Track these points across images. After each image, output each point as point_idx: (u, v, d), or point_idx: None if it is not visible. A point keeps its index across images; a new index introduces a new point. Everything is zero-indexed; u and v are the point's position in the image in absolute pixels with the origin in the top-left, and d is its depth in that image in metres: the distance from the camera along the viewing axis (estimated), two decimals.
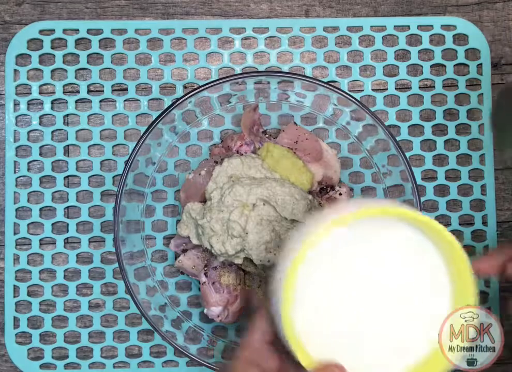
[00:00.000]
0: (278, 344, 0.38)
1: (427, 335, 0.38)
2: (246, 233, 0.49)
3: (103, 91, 0.58)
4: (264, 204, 0.50)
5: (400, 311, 0.37)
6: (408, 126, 0.58)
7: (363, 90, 0.58)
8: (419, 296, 0.37)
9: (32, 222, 0.57)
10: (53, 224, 0.57)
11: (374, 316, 0.37)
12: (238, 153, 0.54)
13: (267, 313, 0.38)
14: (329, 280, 0.36)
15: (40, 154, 0.58)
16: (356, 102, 0.51)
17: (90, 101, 0.58)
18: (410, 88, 0.58)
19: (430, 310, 0.38)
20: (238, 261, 0.51)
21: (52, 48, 0.58)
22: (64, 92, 0.58)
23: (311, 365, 0.36)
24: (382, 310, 0.37)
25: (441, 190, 0.58)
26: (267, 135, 0.56)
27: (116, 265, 0.54)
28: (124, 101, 0.58)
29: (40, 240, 0.57)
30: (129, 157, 0.50)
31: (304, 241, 0.34)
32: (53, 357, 0.56)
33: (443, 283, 0.37)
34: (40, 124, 0.58)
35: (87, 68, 0.58)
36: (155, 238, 0.57)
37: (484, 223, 0.57)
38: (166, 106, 0.50)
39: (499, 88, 0.50)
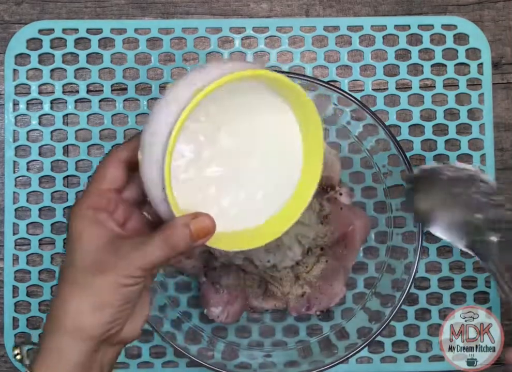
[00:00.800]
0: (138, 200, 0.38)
1: (287, 186, 0.40)
2: None
3: (102, 90, 0.58)
4: None
5: (266, 166, 0.40)
6: (409, 126, 0.58)
7: (363, 90, 0.58)
8: (280, 154, 0.40)
9: (31, 223, 0.57)
10: (52, 224, 0.57)
11: (244, 169, 0.39)
12: None
13: (117, 161, 0.37)
14: (203, 141, 0.37)
15: (39, 154, 0.57)
16: (356, 101, 0.51)
17: (89, 101, 0.58)
18: (411, 87, 0.58)
19: (287, 166, 0.40)
20: (238, 261, 0.51)
21: (51, 47, 0.58)
22: (63, 92, 0.58)
23: (181, 213, 0.35)
24: (251, 164, 0.39)
25: None
26: None
27: None
28: (124, 100, 0.58)
29: (39, 240, 0.57)
30: None
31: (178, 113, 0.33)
32: None
33: (298, 144, 0.40)
34: (39, 124, 0.58)
35: (87, 68, 0.58)
36: None
37: None
38: None
39: (407, 176, 0.49)
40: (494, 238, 0.44)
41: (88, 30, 0.58)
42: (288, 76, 0.51)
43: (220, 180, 0.38)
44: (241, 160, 0.39)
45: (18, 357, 0.49)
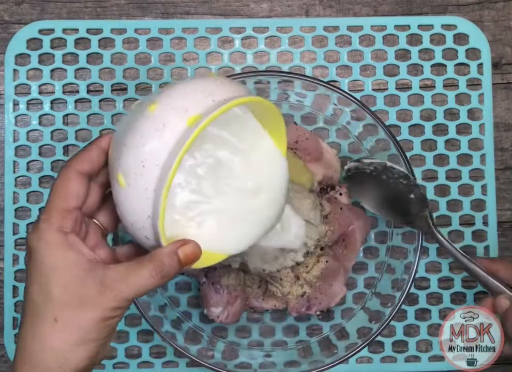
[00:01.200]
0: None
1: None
2: None
3: (102, 90, 0.58)
4: None
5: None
6: (409, 126, 0.58)
7: (363, 90, 0.58)
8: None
9: (31, 223, 0.57)
10: None
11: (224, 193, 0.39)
12: None
13: (78, 174, 0.35)
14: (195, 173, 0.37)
15: (40, 154, 0.57)
16: (356, 101, 0.50)
17: (89, 101, 0.58)
18: (411, 87, 0.58)
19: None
20: (235, 265, 0.51)
21: (51, 47, 0.58)
22: (63, 92, 0.58)
23: (166, 241, 0.34)
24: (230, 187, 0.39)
25: (442, 190, 0.58)
26: None
27: None
28: (124, 100, 0.58)
29: None
30: None
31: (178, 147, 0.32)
32: None
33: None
34: (39, 124, 0.58)
35: (87, 68, 0.58)
36: None
37: (485, 223, 0.57)
38: None
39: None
40: (426, 212, 0.49)
41: (88, 30, 0.58)
42: (288, 76, 0.51)
43: (204, 209, 0.38)
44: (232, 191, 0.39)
45: None
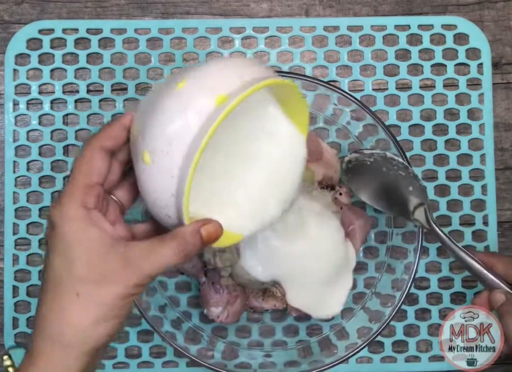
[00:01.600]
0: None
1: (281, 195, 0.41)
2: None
3: (102, 90, 0.58)
4: None
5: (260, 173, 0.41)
6: (409, 126, 0.58)
7: (363, 90, 0.58)
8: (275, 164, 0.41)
9: (31, 223, 0.57)
10: None
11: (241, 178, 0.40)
12: None
13: (101, 151, 0.35)
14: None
15: (40, 154, 0.57)
16: (356, 101, 0.50)
17: (89, 101, 0.58)
18: (411, 87, 0.58)
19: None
20: (225, 273, 0.51)
21: (51, 47, 0.58)
22: (63, 92, 0.58)
23: (189, 220, 0.35)
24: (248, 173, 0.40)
25: (442, 190, 0.58)
26: None
27: None
28: (124, 100, 0.58)
29: (39, 240, 0.57)
30: None
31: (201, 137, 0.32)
32: None
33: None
34: (39, 124, 0.58)
35: (87, 68, 0.58)
36: None
37: (485, 223, 0.57)
38: None
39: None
40: (425, 205, 0.50)
41: (88, 30, 0.58)
42: (288, 76, 0.51)
43: (222, 187, 0.39)
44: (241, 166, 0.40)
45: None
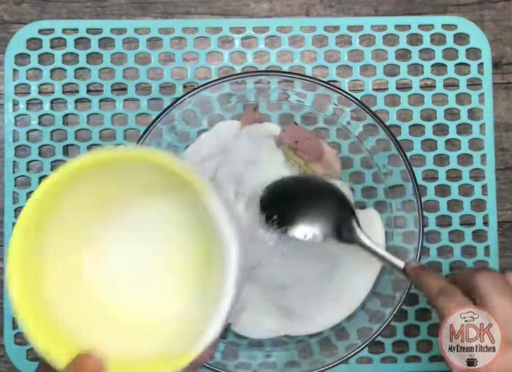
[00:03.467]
0: None
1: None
2: None
3: (102, 90, 0.58)
4: None
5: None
6: (409, 126, 0.58)
7: (363, 90, 0.58)
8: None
9: None
10: None
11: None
12: None
13: None
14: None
15: (39, 154, 0.57)
16: (357, 101, 0.50)
17: (89, 101, 0.58)
18: (411, 87, 0.58)
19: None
20: None
21: (51, 47, 0.58)
22: (63, 92, 0.58)
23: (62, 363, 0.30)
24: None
25: (442, 190, 0.58)
26: None
27: None
28: (124, 100, 0.58)
29: None
30: None
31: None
32: None
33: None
34: (39, 124, 0.58)
35: (87, 68, 0.58)
36: None
37: (485, 223, 0.57)
38: (166, 106, 0.50)
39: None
40: (354, 223, 0.48)
41: (88, 30, 0.58)
42: (288, 76, 0.51)
43: None
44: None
45: None
